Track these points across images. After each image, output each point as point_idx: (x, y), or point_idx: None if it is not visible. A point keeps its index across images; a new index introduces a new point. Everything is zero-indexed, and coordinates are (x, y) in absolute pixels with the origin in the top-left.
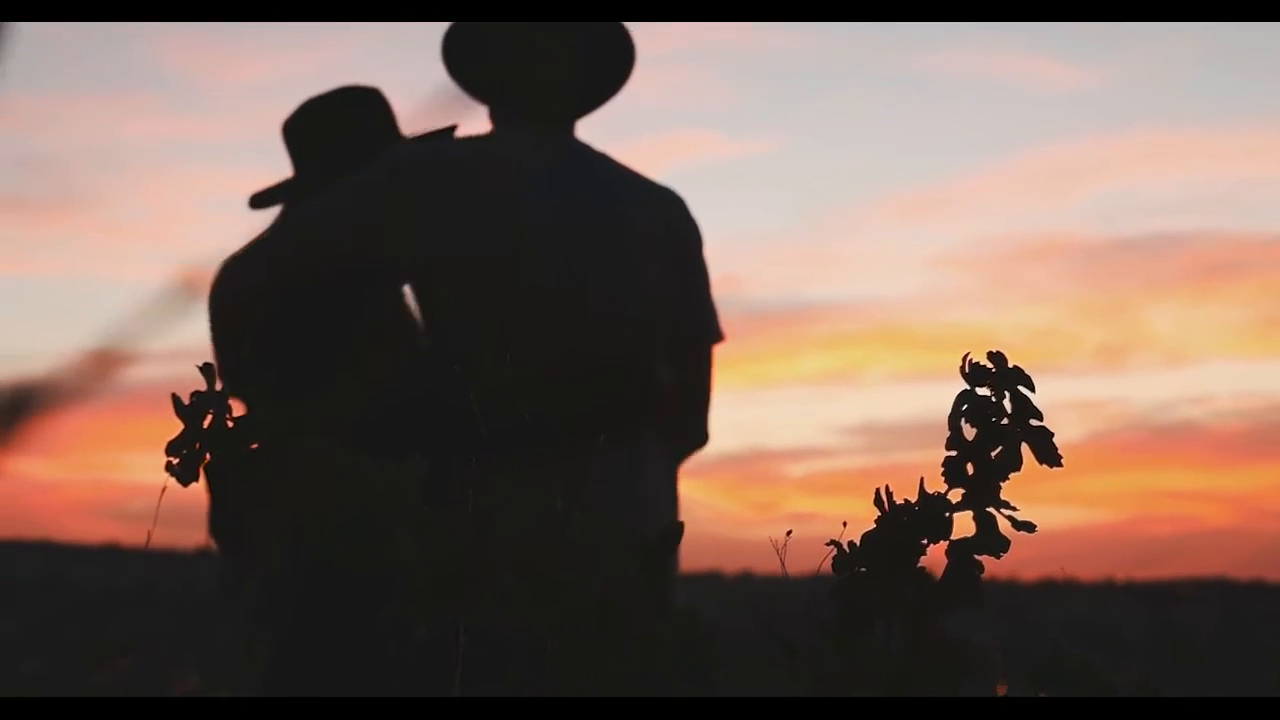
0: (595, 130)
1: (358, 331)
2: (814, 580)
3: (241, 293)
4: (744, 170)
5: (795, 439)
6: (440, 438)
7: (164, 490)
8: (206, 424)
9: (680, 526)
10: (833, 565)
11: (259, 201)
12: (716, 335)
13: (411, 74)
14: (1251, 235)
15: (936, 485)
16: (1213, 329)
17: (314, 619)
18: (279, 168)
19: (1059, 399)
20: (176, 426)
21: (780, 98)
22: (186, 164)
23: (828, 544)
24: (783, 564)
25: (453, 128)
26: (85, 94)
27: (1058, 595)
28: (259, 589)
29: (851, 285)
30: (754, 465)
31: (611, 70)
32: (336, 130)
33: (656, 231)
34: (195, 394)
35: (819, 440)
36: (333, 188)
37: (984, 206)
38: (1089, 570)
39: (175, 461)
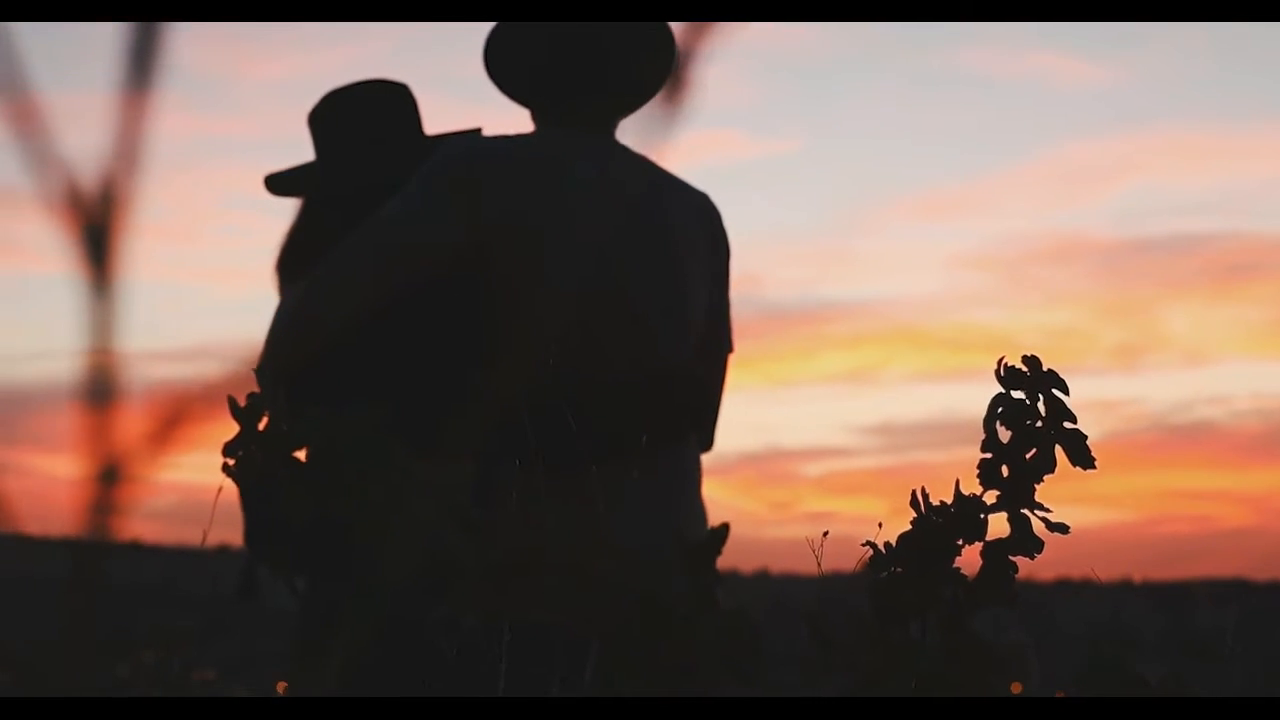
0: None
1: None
2: (830, 579)
3: (331, 319)
4: (765, 169)
5: (813, 438)
6: (492, 442)
7: (220, 490)
8: (261, 426)
9: (726, 528)
10: (869, 565)
11: (278, 186)
12: (730, 347)
13: (434, 72)
14: (1271, 236)
15: (970, 486)
16: (1231, 329)
17: (368, 619)
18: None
19: (1077, 399)
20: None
21: (802, 97)
22: (210, 161)
23: (863, 544)
24: (819, 563)
25: (477, 130)
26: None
27: (1075, 595)
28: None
29: (871, 285)
30: (772, 464)
31: (654, 71)
32: (363, 123)
33: (697, 238)
34: (251, 395)
35: (837, 440)
36: (401, 195)
37: (1003, 206)
38: (1106, 570)
39: (231, 463)
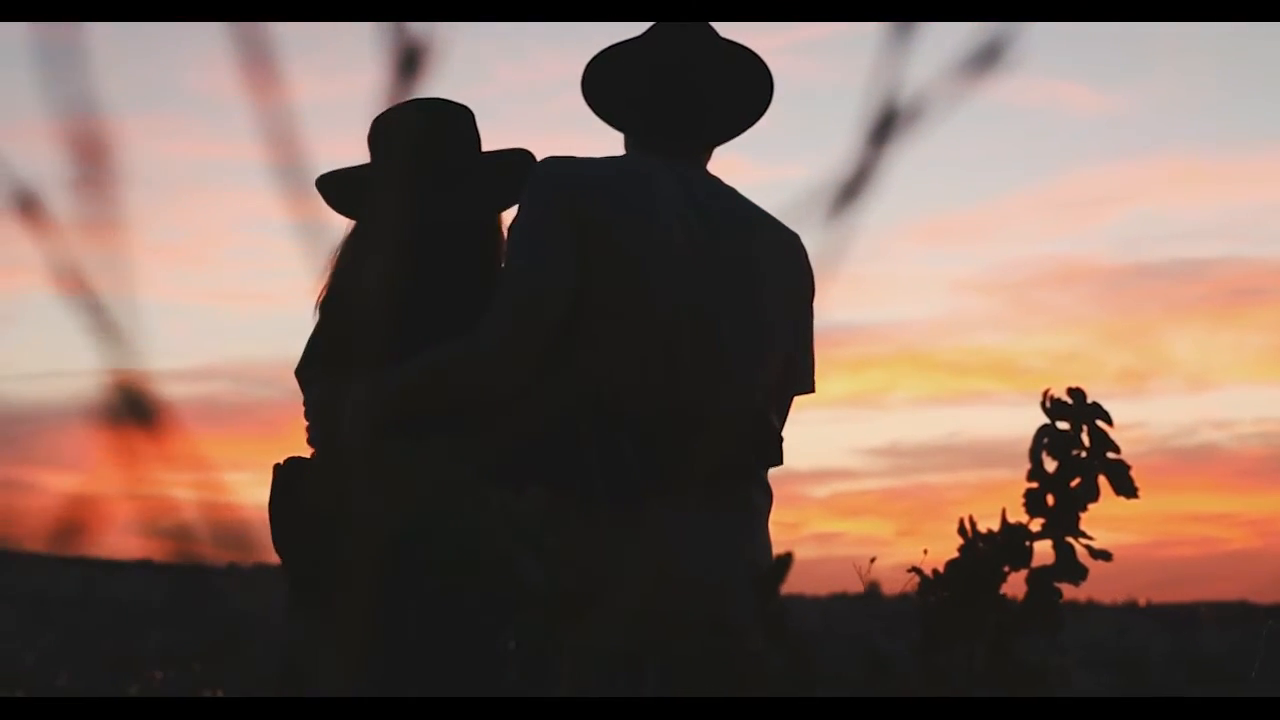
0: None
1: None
2: (837, 600)
3: (498, 384)
4: (772, 195)
5: (819, 460)
6: (566, 471)
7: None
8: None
9: (790, 556)
10: (918, 590)
11: (335, 192)
12: (809, 387)
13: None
14: (1274, 261)
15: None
16: (1235, 354)
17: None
18: (312, 190)
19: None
20: (210, 443)
21: (808, 123)
22: (220, 185)
23: (909, 570)
24: (864, 585)
25: (526, 151)
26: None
27: (1080, 617)
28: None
29: (876, 309)
30: (778, 486)
31: (748, 103)
32: (429, 142)
33: (782, 274)
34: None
35: (843, 462)
36: (520, 244)
37: (1009, 231)
38: (1111, 593)
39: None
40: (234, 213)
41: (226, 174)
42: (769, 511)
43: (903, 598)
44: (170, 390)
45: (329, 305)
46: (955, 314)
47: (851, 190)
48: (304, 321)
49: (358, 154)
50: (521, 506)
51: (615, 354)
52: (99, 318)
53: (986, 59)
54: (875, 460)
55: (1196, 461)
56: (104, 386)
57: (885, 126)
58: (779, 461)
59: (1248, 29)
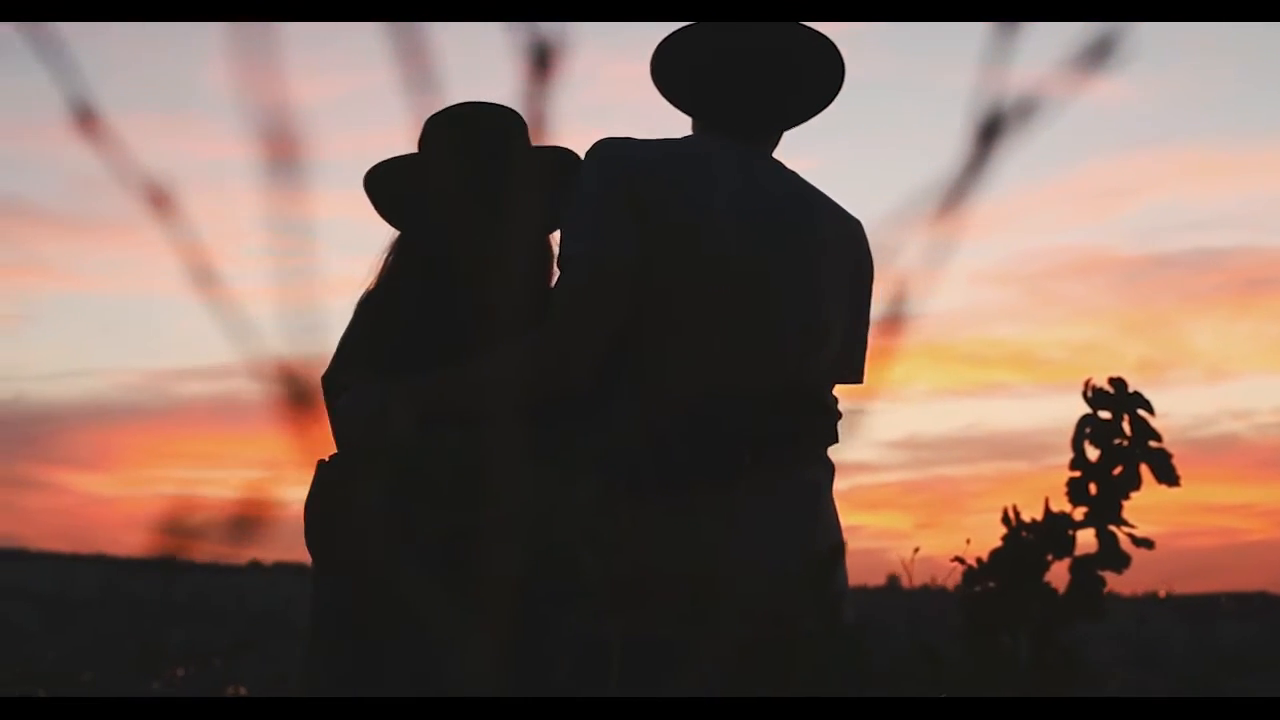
0: None
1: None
2: (857, 592)
3: (574, 370)
4: None
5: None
6: (625, 455)
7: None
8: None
9: (842, 544)
10: (962, 580)
11: (384, 196)
12: (859, 378)
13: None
14: None
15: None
16: (1253, 343)
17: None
18: (331, 186)
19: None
20: (229, 441)
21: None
22: (241, 184)
23: (953, 560)
24: (910, 578)
25: (569, 150)
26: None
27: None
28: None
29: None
30: None
31: (819, 87)
32: (482, 144)
33: (843, 261)
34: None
35: (861, 454)
36: (576, 223)
37: (1026, 223)
38: (1130, 584)
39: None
40: (252, 211)
41: (244, 172)
42: (831, 484)
43: (923, 590)
44: (190, 388)
45: (376, 311)
46: (973, 306)
47: (958, 192)
48: (321, 319)
49: (362, 150)
50: (577, 495)
51: (671, 335)
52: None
53: (1096, 55)
54: (894, 453)
55: (1216, 452)
56: (273, 374)
57: (992, 128)
58: (835, 440)
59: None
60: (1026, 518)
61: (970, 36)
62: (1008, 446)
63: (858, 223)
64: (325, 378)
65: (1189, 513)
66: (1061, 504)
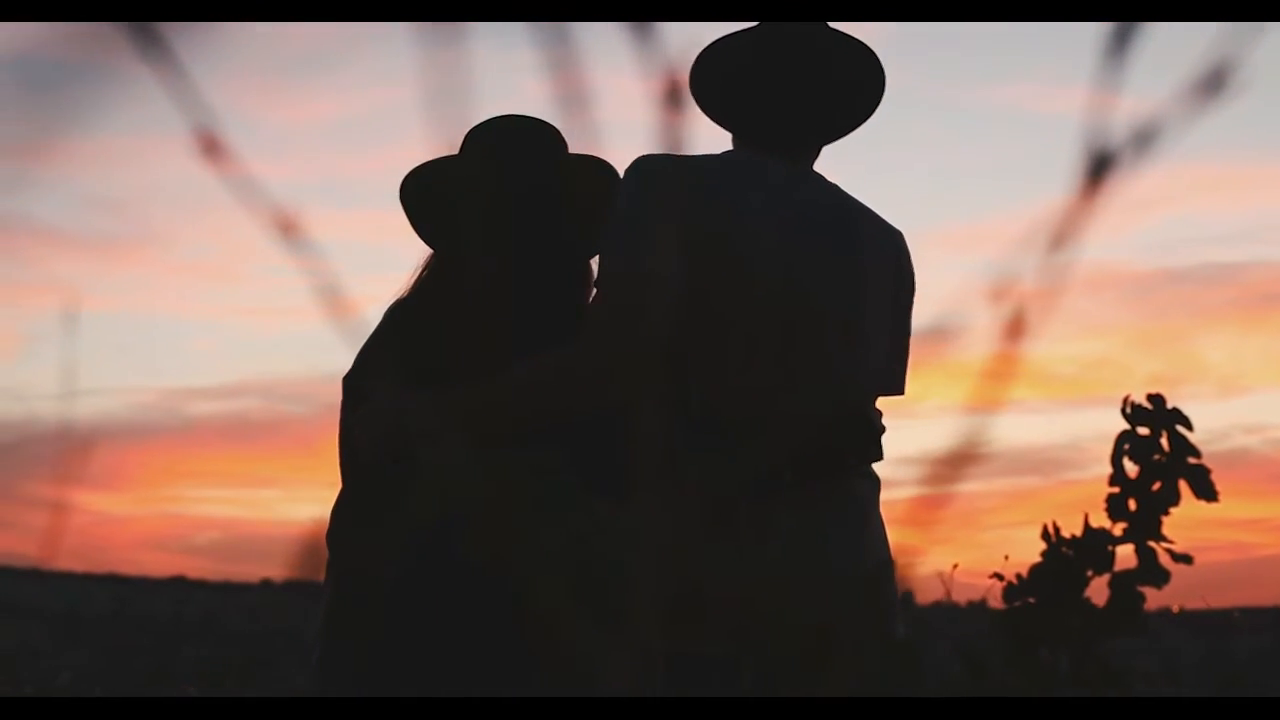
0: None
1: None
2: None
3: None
4: None
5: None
6: (674, 474)
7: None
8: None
9: (891, 562)
10: (1003, 596)
11: (418, 207)
12: (899, 389)
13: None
14: None
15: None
16: (1266, 358)
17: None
18: (344, 206)
19: (1112, 429)
20: (241, 460)
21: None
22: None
23: (991, 576)
24: (949, 593)
25: (604, 162)
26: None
27: None
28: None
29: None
30: None
31: (860, 99)
32: (520, 156)
33: (886, 273)
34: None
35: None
36: (617, 242)
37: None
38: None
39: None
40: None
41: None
42: (877, 499)
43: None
44: (201, 407)
45: (405, 321)
46: (985, 321)
47: (1071, 223)
48: (332, 338)
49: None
50: (626, 515)
51: (715, 351)
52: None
53: (1212, 84)
54: (906, 468)
55: (1228, 466)
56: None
57: (1103, 161)
58: (878, 457)
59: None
60: (1066, 533)
61: (966, 41)
62: (1019, 462)
63: (899, 233)
64: (347, 381)
65: (1201, 527)
66: (1101, 519)
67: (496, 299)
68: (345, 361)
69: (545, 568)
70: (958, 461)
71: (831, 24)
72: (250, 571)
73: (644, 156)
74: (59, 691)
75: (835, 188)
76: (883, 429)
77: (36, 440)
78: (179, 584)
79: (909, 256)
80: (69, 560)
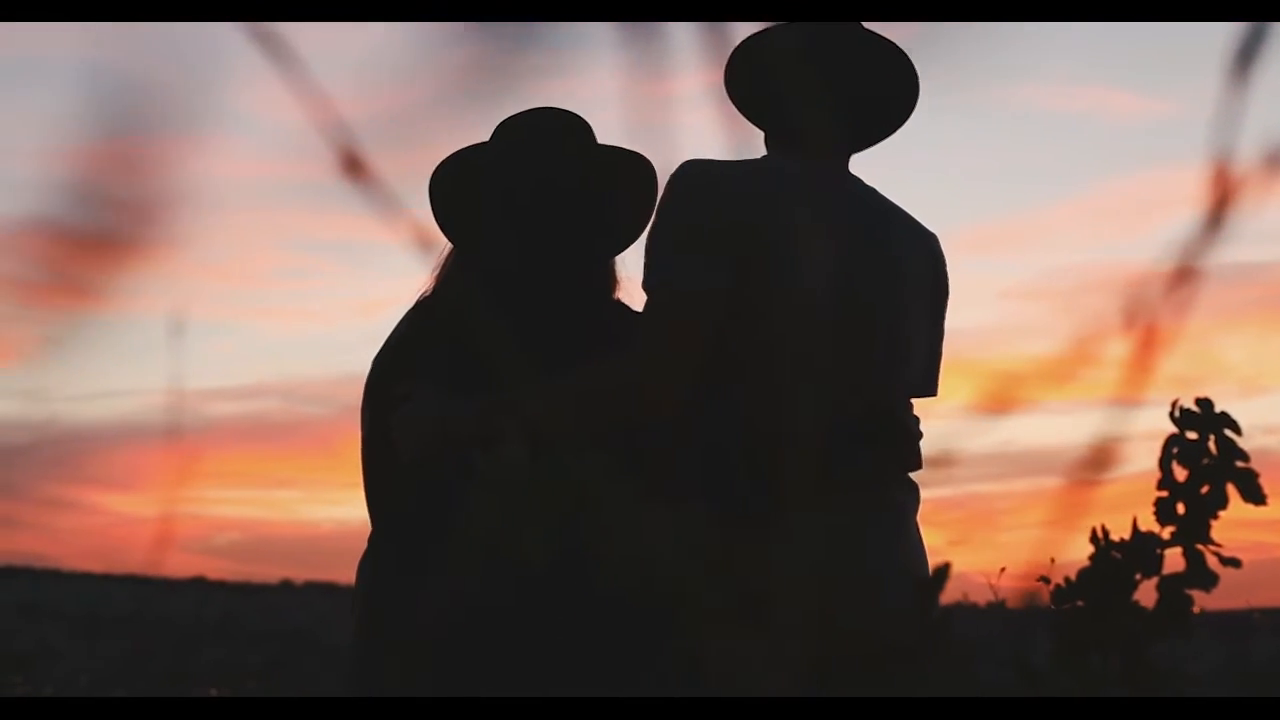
0: (670, 160)
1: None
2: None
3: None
4: None
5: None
6: (717, 478)
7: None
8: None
9: (948, 566)
10: (1051, 599)
11: (442, 191)
12: (935, 390)
13: (491, 119)
14: None
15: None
16: None
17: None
18: (358, 207)
19: (1133, 429)
20: (259, 461)
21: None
22: (269, 204)
23: (1038, 579)
24: (995, 594)
25: (642, 158)
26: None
27: None
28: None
29: None
30: None
31: (893, 108)
32: (548, 148)
33: (923, 276)
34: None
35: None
36: (661, 251)
37: (1056, 238)
38: (1146, 595)
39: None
40: (281, 231)
41: (273, 193)
42: (917, 508)
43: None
44: (220, 408)
45: (432, 319)
46: (1004, 322)
47: (1201, 246)
48: (351, 338)
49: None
50: (683, 521)
51: (761, 356)
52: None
53: None
54: (926, 469)
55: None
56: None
57: (1229, 183)
58: (917, 465)
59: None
60: (1112, 537)
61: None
62: (1040, 463)
63: (934, 236)
64: (372, 382)
65: (1223, 527)
66: (1150, 523)
67: (515, 297)
68: (365, 365)
69: (623, 572)
70: (1102, 459)
71: (867, 25)
72: (270, 572)
73: (689, 162)
74: (79, 692)
75: (873, 190)
76: (920, 435)
77: (57, 442)
78: (199, 585)
79: (944, 260)
80: (88, 561)
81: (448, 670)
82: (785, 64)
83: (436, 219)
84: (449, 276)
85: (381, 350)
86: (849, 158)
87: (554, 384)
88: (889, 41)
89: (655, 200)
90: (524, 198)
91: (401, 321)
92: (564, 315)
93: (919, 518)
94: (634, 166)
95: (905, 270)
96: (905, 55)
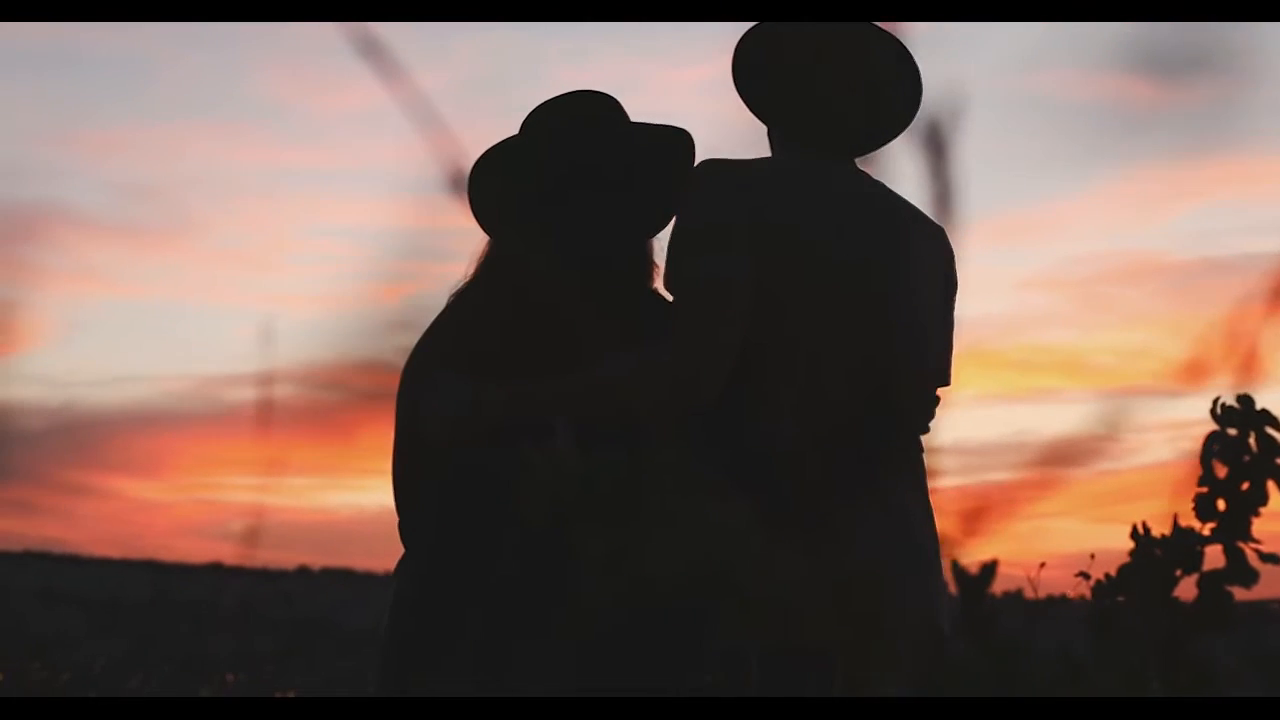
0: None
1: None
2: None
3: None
4: None
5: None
6: (751, 474)
7: None
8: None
9: (995, 563)
10: (1092, 594)
11: (482, 193)
12: (948, 380)
13: (516, 103)
14: None
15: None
16: None
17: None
18: (381, 194)
19: (1151, 420)
20: (278, 447)
21: None
22: (288, 191)
23: (1077, 575)
24: (1034, 590)
25: (684, 132)
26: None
27: None
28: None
29: None
30: None
31: (899, 110)
32: (581, 134)
33: (938, 266)
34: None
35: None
36: (690, 250)
37: (1075, 228)
38: (1185, 590)
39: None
40: (298, 217)
41: (290, 179)
42: (923, 504)
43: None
44: (239, 394)
45: (470, 309)
46: (1021, 312)
47: None
48: (368, 325)
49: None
50: (734, 515)
51: (786, 351)
52: None
53: None
54: (942, 458)
55: None
56: None
57: None
58: (921, 461)
59: None
60: (1156, 533)
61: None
62: (1056, 452)
63: (942, 230)
64: (410, 369)
65: (1261, 524)
66: (1189, 519)
67: (555, 287)
68: (380, 350)
69: (674, 568)
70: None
71: (881, 25)
72: (286, 558)
73: (710, 161)
74: (96, 677)
75: (882, 185)
76: (929, 418)
77: (75, 427)
78: (215, 570)
79: (953, 255)
80: (107, 547)
81: (487, 666)
82: (797, 64)
83: (475, 215)
84: (488, 266)
85: (420, 340)
86: (856, 157)
87: (592, 372)
88: (896, 40)
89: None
90: (564, 185)
91: (442, 311)
92: (604, 303)
93: (933, 502)
94: (673, 141)
95: (919, 265)
96: (911, 56)
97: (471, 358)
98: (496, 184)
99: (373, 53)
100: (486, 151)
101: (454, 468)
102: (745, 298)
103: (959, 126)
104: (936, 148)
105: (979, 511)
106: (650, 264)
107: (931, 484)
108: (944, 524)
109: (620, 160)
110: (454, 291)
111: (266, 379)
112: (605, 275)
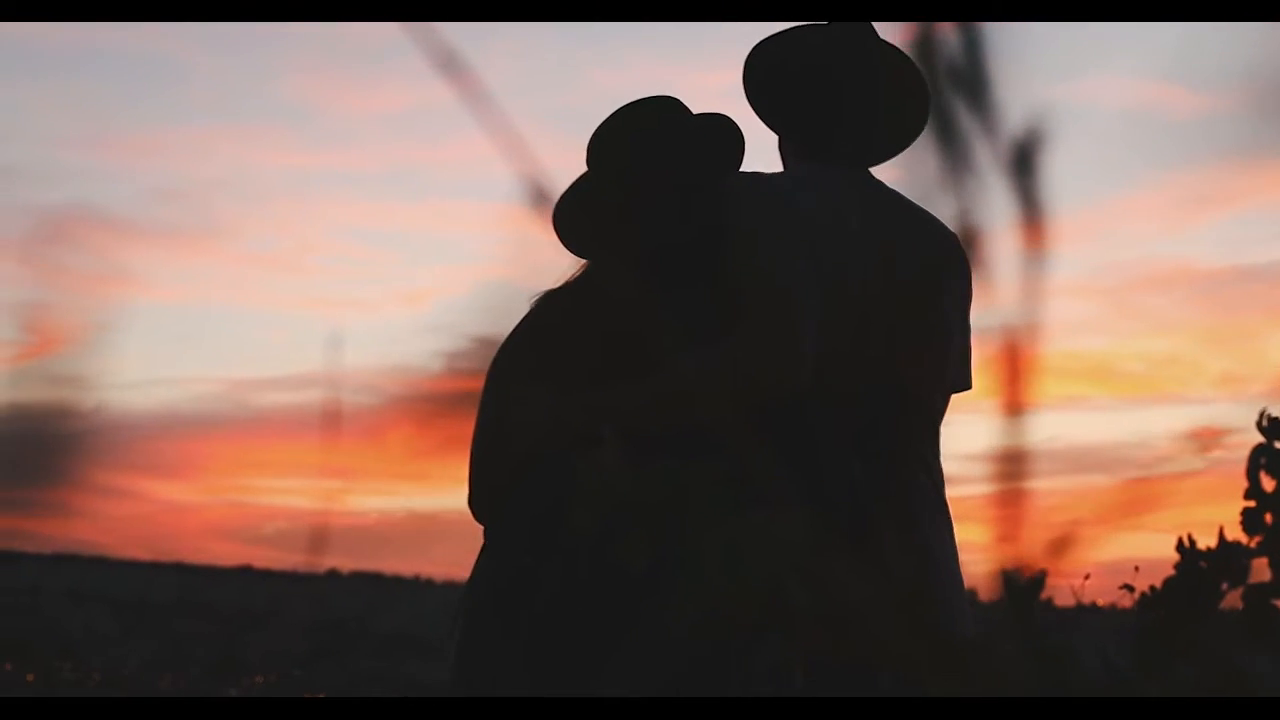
0: None
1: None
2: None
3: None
4: None
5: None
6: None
7: None
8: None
9: (1044, 573)
10: (1138, 606)
11: (567, 230)
12: (967, 384)
13: (548, 105)
14: None
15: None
16: None
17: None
18: (405, 196)
19: (1182, 427)
20: (308, 451)
21: None
22: (317, 194)
23: (1121, 587)
24: (1078, 600)
25: (726, 117)
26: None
27: None
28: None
29: (973, 313)
30: None
31: (908, 122)
32: (649, 148)
33: (955, 271)
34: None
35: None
36: (749, 248)
37: (1106, 235)
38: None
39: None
40: (328, 220)
41: (320, 182)
42: (945, 513)
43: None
44: (270, 397)
45: (558, 316)
46: (1053, 318)
47: None
48: (398, 328)
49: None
50: (784, 528)
51: (819, 363)
52: None
53: None
54: (972, 465)
55: None
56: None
57: None
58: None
59: None
60: (1202, 545)
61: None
62: (1087, 459)
63: (955, 235)
64: (494, 373)
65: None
66: (1236, 532)
67: (641, 304)
68: (409, 354)
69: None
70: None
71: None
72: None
73: (743, 174)
74: (127, 678)
75: (898, 194)
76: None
77: (105, 429)
78: (245, 573)
79: (967, 260)
80: (137, 549)
81: (543, 670)
82: (807, 76)
83: (565, 244)
84: (578, 278)
85: (504, 343)
86: (870, 167)
87: (651, 382)
88: (901, 52)
89: (741, 158)
90: (641, 195)
91: (528, 313)
92: (680, 309)
93: (953, 511)
94: (724, 131)
95: (941, 269)
96: (917, 67)
97: (560, 365)
98: (579, 214)
99: (451, 68)
100: (571, 185)
101: (540, 476)
102: (807, 311)
103: (1046, 149)
104: (1024, 169)
105: (1069, 528)
106: (716, 260)
107: (960, 492)
108: (1029, 537)
109: (692, 160)
110: (538, 295)
111: (334, 385)
112: (681, 275)
